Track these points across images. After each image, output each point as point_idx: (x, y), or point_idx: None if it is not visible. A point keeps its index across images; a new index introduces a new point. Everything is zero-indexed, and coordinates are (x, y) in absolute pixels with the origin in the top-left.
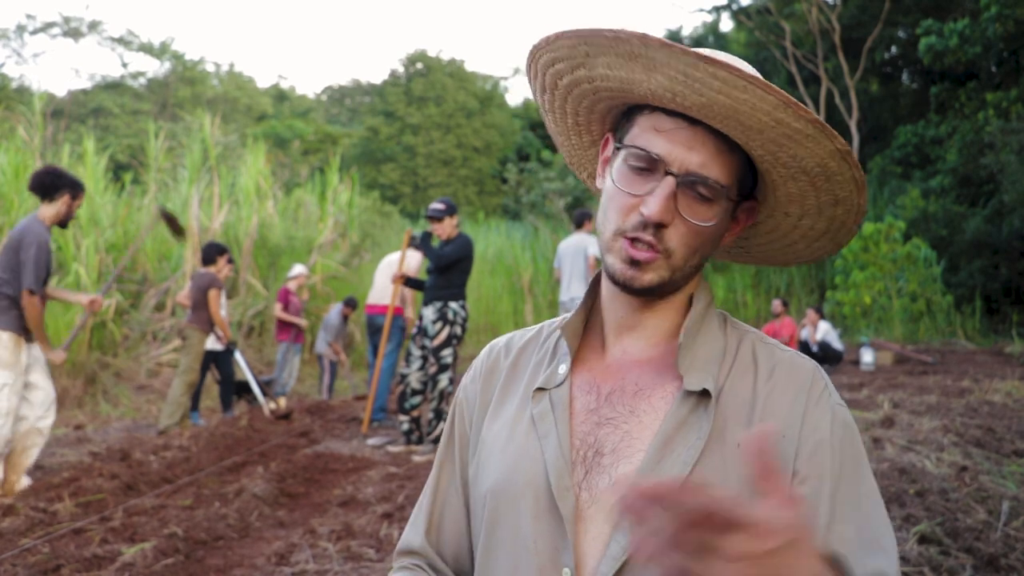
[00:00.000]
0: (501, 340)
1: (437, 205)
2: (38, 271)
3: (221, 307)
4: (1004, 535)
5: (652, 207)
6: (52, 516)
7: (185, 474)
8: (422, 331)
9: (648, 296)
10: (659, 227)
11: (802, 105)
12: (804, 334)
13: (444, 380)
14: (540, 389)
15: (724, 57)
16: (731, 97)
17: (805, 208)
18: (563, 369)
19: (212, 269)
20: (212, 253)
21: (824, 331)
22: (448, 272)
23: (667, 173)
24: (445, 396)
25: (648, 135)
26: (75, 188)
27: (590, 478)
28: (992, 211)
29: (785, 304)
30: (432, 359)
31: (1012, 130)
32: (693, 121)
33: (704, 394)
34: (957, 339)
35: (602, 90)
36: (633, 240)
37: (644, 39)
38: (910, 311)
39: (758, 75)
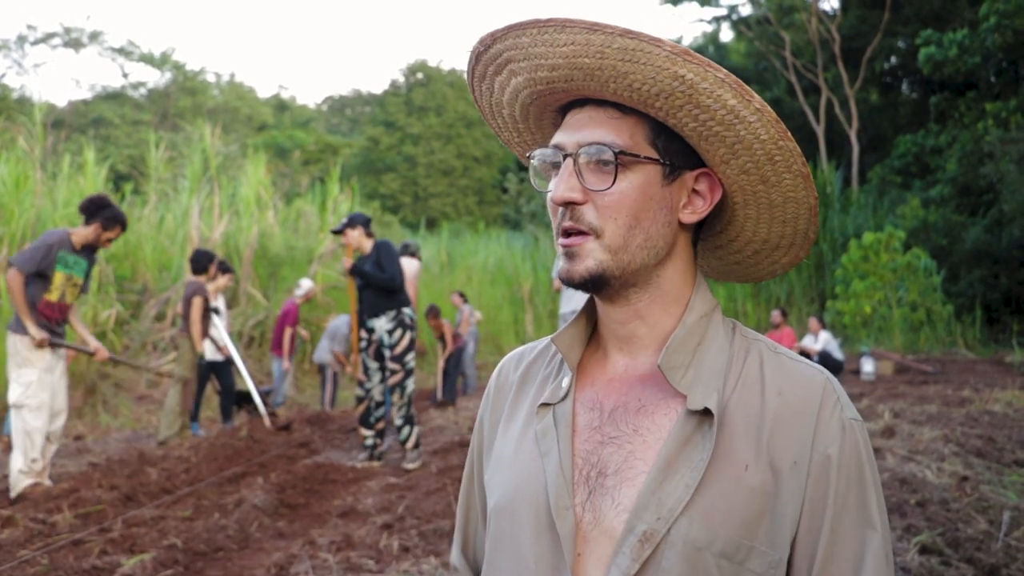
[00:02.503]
0: (512, 355)
1: (344, 219)
2: (33, 255)
3: (223, 317)
4: (1005, 545)
5: (554, 190)
6: (51, 527)
7: (185, 485)
8: (374, 344)
9: (596, 289)
10: (572, 206)
11: (648, 35)
12: (806, 342)
13: (411, 385)
14: (544, 405)
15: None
16: (574, 44)
17: (756, 196)
18: (565, 383)
19: (202, 278)
20: (203, 262)
21: (824, 340)
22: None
23: (565, 156)
24: (412, 401)
25: (554, 136)
26: (110, 221)
27: (593, 499)
28: (992, 221)
29: (784, 314)
30: (397, 366)
31: (1011, 140)
32: (583, 103)
33: (707, 412)
34: (957, 349)
35: (527, 102)
36: (564, 233)
37: (491, 38)
38: (910, 321)
39: (596, 22)
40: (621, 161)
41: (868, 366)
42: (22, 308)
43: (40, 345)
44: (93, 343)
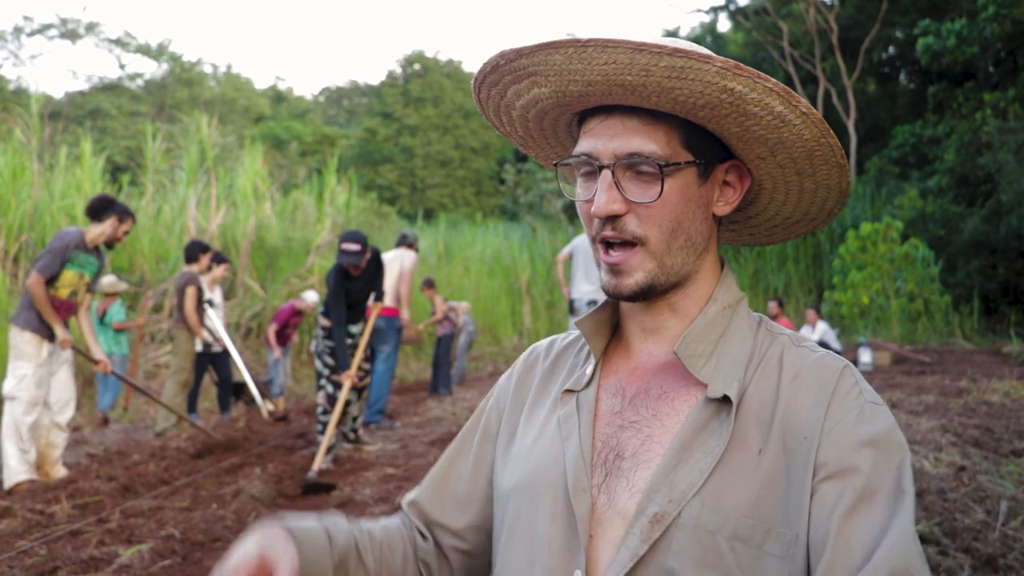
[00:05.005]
0: (544, 342)
1: (353, 247)
2: (52, 259)
3: (218, 308)
4: (1002, 535)
5: (596, 203)
6: (49, 518)
7: (182, 475)
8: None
9: (644, 299)
10: (615, 219)
11: (697, 52)
12: (804, 333)
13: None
14: (568, 391)
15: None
16: (616, 64)
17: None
18: (589, 371)
19: (194, 267)
20: (194, 251)
21: (822, 331)
22: None
23: (601, 168)
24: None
25: (581, 141)
26: (123, 213)
27: (609, 481)
28: (990, 211)
29: (781, 304)
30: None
31: (1009, 130)
32: (610, 110)
33: (726, 400)
34: (955, 339)
35: (548, 109)
36: (606, 244)
37: (518, 52)
38: (908, 311)
39: (648, 41)
40: (664, 172)
41: (866, 357)
42: (47, 312)
43: (63, 346)
44: (98, 354)
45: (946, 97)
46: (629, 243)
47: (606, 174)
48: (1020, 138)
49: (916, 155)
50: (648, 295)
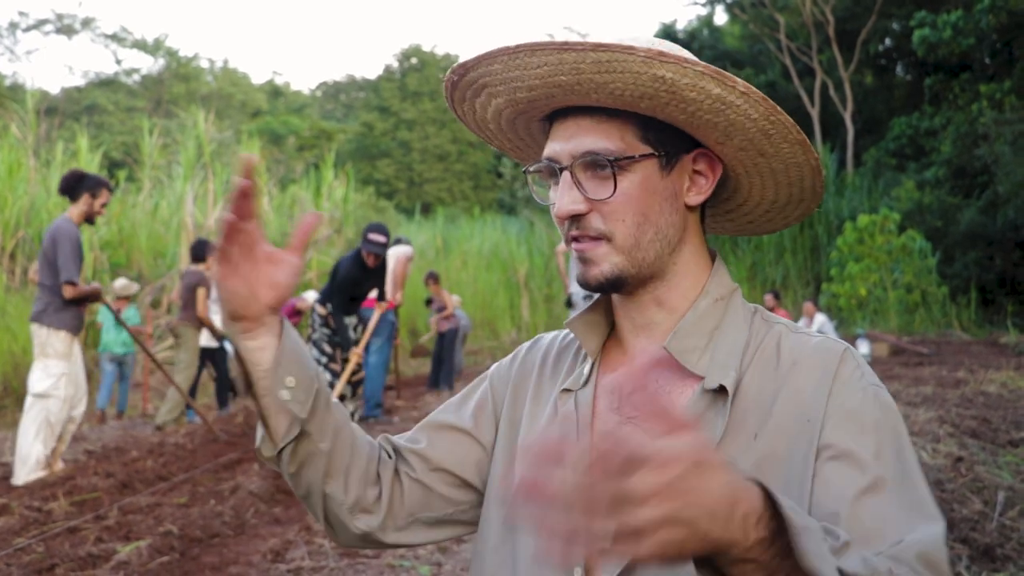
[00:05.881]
0: (548, 335)
1: (381, 238)
2: (74, 262)
3: (213, 303)
4: (1000, 525)
5: (558, 204)
6: (47, 515)
7: (180, 472)
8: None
9: (615, 291)
10: (580, 218)
11: (619, 44)
12: (801, 325)
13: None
14: (566, 390)
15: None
16: (548, 65)
17: (757, 166)
18: (586, 370)
19: (202, 267)
20: (202, 250)
21: (820, 323)
22: None
23: (561, 169)
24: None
25: (546, 146)
26: (95, 187)
27: None
28: (986, 202)
29: (777, 297)
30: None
31: (1006, 121)
32: (567, 110)
33: (722, 390)
34: (952, 330)
35: (512, 117)
36: (574, 240)
37: (463, 68)
38: (905, 302)
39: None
40: (618, 166)
41: (864, 348)
42: (94, 291)
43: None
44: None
45: (942, 89)
46: (595, 238)
47: (566, 175)
48: (1016, 129)
49: (913, 147)
50: (618, 287)
